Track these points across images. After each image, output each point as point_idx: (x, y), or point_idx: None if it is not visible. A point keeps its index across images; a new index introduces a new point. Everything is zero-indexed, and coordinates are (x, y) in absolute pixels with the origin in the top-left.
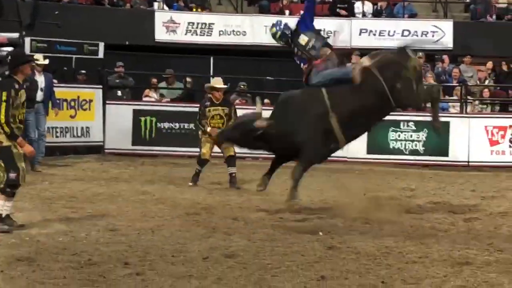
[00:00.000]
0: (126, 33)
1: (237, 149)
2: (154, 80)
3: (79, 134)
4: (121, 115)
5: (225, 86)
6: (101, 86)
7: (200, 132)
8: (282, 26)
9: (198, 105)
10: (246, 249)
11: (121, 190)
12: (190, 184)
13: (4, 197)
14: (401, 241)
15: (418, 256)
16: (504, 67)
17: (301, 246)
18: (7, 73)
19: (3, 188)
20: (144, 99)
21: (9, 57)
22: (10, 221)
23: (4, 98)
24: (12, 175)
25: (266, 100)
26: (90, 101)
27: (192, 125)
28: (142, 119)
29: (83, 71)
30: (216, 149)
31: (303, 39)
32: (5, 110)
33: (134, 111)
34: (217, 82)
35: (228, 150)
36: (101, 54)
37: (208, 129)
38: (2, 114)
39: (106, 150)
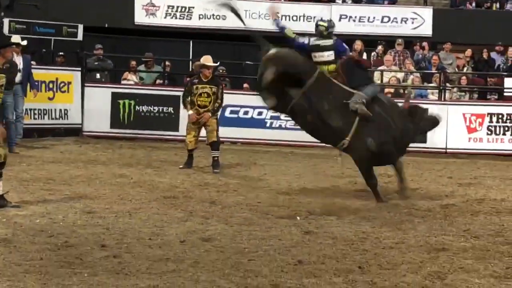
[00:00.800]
0: (106, 16)
1: (225, 134)
2: (133, 63)
3: (57, 116)
4: (100, 97)
5: (216, 64)
6: (79, 69)
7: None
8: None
9: (178, 88)
10: (223, 233)
11: (98, 173)
12: (181, 167)
13: None
14: (378, 226)
15: (395, 242)
16: (485, 55)
17: (279, 230)
18: None
19: None
20: (122, 82)
21: None
22: (3, 201)
23: None
24: None
25: (245, 85)
26: (69, 83)
27: (171, 109)
28: (121, 102)
29: (62, 53)
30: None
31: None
32: None
33: (113, 94)
34: (208, 60)
35: (212, 136)
36: (80, 37)
37: (190, 112)
38: None
39: (84, 133)
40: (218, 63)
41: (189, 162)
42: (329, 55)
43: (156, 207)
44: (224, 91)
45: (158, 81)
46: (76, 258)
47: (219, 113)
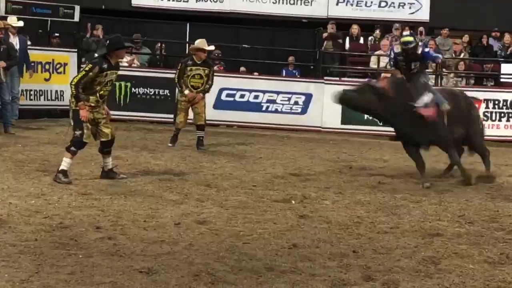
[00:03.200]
0: None
1: (214, 117)
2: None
3: (53, 98)
4: None
5: (212, 48)
6: (76, 50)
7: (177, 95)
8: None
9: (174, 71)
10: (218, 216)
11: (94, 155)
12: (170, 145)
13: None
14: (373, 211)
15: (390, 227)
16: (484, 41)
17: (274, 214)
18: None
19: None
20: None
21: None
22: (113, 173)
23: None
24: None
25: (241, 68)
26: (65, 64)
27: (167, 91)
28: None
29: (57, 34)
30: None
31: None
32: None
33: None
34: (204, 44)
35: (200, 118)
36: (76, 18)
37: (186, 91)
38: None
39: None
40: (213, 47)
41: (175, 140)
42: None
43: (151, 190)
44: (221, 74)
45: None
46: (71, 240)
47: (210, 94)
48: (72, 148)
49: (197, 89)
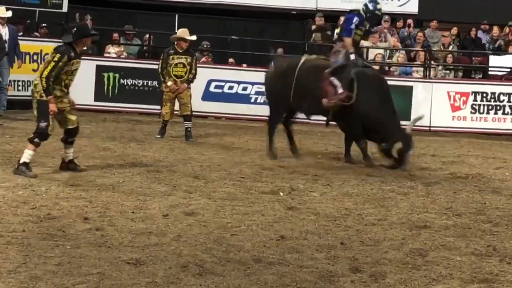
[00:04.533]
0: None
1: (202, 109)
2: (115, 35)
3: None
4: (84, 70)
5: (193, 38)
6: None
7: (163, 86)
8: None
9: (158, 62)
10: (206, 208)
11: (82, 146)
12: (158, 136)
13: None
14: (361, 203)
15: (377, 219)
16: (472, 33)
17: (262, 206)
18: None
19: None
20: (105, 55)
21: None
22: (74, 165)
23: None
24: None
25: (230, 60)
26: None
27: (155, 82)
28: (105, 75)
29: (45, 25)
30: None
31: None
32: None
33: (97, 66)
34: (185, 33)
35: (186, 109)
36: (65, 8)
37: (169, 83)
38: None
39: None
40: (195, 37)
41: (163, 132)
42: None
43: (139, 181)
44: (209, 66)
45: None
46: (58, 230)
47: (196, 86)
48: (36, 140)
49: (180, 78)
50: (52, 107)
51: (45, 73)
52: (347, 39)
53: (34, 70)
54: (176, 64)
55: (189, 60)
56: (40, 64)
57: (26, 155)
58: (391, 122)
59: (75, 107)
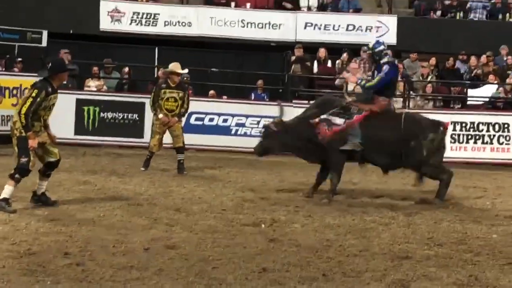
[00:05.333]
0: (71, 22)
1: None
2: (95, 69)
3: None
4: (64, 104)
5: (185, 72)
6: None
7: (153, 118)
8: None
9: (143, 95)
10: (187, 241)
11: (62, 180)
12: (142, 169)
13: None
14: (342, 234)
15: (359, 250)
16: (450, 63)
17: (243, 238)
18: None
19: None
20: (85, 88)
21: None
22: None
23: None
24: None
25: (211, 92)
26: None
27: (135, 115)
28: (85, 108)
29: (20, 59)
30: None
31: None
32: None
33: (77, 100)
34: (177, 67)
35: (178, 141)
36: (44, 43)
37: (160, 115)
38: None
39: None
40: (187, 70)
41: (147, 164)
42: None
43: (120, 214)
44: (190, 98)
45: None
46: (39, 266)
47: (184, 118)
48: (17, 176)
49: (172, 112)
50: (32, 143)
51: (24, 109)
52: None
53: (14, 105)
54: (167, 98)
55: (181, 94)
56: (20, 98)
57: (6, 191)
58: None
59: (55, 141)
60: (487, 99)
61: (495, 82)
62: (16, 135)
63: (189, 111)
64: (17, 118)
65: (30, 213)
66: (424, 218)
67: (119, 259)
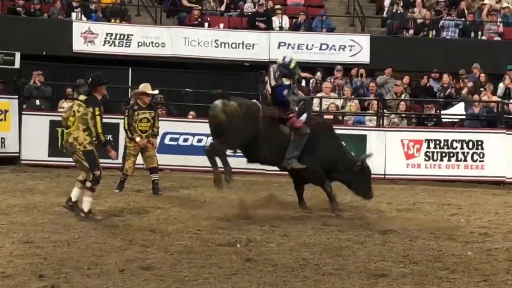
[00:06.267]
0: (44, 43)
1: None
2: (69, 90)
3: None
4: (38, 125)
5: (156, 92)
6: (17, 97)
7: (125, 140)
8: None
9: (117, 116)
10: (163, 261)
11: (36, 202)
12: (117, 190)
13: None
14: (318, 253)
15: (335, 268)
16: (424, 81)
17: (219, 258)
18: None
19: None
20: (59, 110)
21: None
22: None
23: None
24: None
25: (191, 112)
26: (6, 111)
27: (109, 136)
28: (59, 129)
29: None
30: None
31: None
32: None
33: (51, 121)
34: (148, 88)
35: (152, 161)
36: (17, 64)
37: (138, 139)
38: None
39: (22, 161)
40: (157, 91)
41: (122, 186)
42: None
43: (95, 236)
44: (164, 119)
45: None
46: None
47: (157, 139)
48: (94, 187)
49: (145, 133)
50: (113, 154)
51: (100, 128)
52: None
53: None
54: (141, 120)
55: (152, 114)
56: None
57: (87, 204)
58: None
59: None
60: (460, 117)
61: (471, 100)
62: (80, 150)
63: (163, 131)
64: (80, 134)
65: (4, 236)
66: (399, 236)
67: (94, 280)
